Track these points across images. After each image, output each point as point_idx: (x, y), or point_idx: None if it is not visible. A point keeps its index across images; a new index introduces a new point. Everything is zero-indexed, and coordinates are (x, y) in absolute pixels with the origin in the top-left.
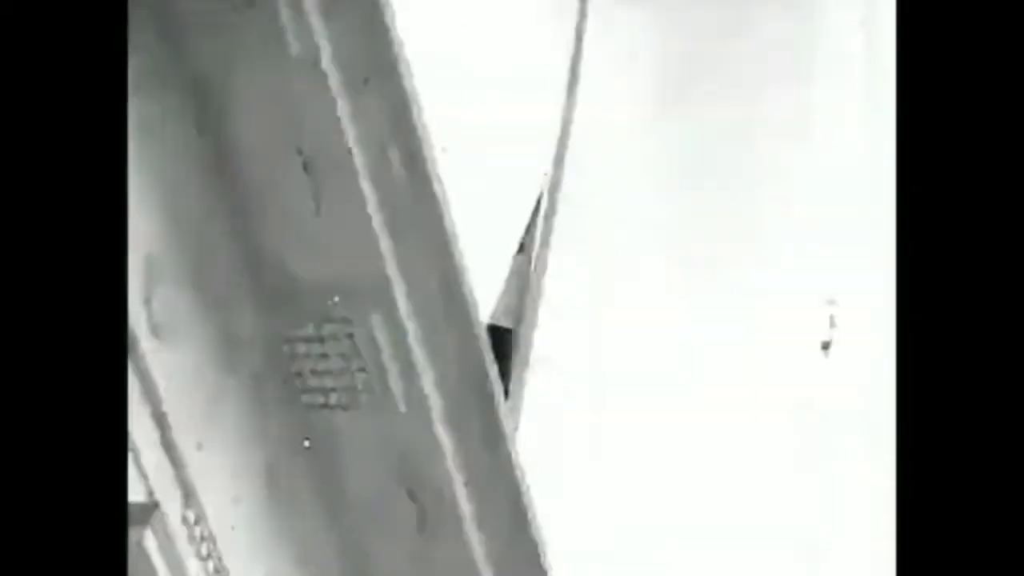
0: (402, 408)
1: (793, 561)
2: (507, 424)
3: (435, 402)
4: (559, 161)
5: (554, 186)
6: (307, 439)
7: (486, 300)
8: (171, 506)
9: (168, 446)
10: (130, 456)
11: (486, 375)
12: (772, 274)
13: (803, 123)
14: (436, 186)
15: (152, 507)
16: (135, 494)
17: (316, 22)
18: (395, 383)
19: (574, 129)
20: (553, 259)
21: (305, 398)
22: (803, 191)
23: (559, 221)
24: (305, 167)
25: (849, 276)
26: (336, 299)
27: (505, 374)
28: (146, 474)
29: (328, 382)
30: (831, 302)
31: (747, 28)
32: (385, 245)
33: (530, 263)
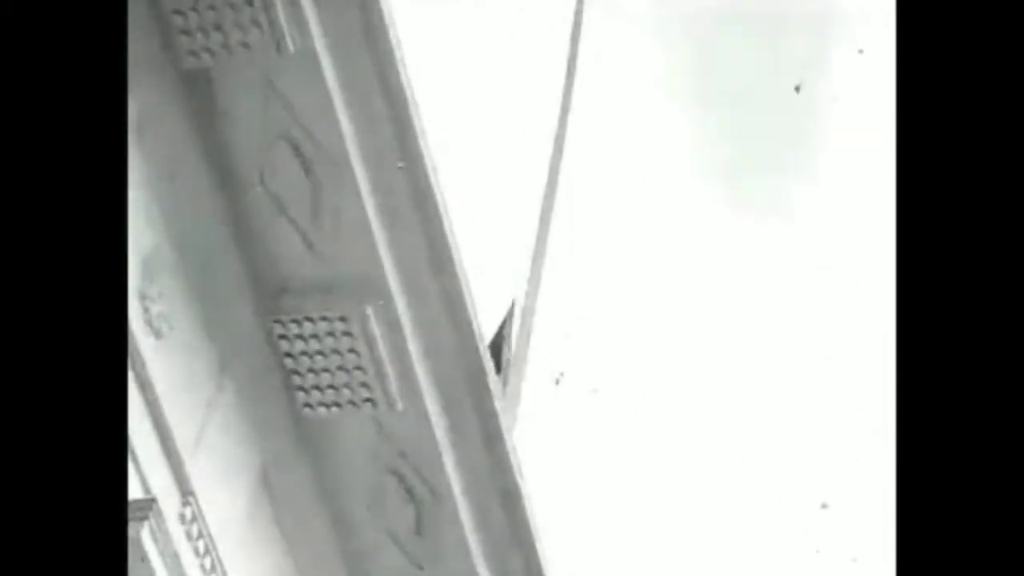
0: (399, 406)
1: None
2: (504, 421)
3: (432, 400)
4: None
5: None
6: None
7: (484, 298)
8: (168, 503)
9: (166, 444)
10: (128, 454)
11: (483, 373)
12: None
13: None
14: (435, 186)
15: (150, 504)
16: (133, 491)
17: (314, 20)
18: (392, 381)
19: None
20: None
21: (302, 396)
22: None
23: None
24: (304, 167)
25: None
26: (333, 297)
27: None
28: (144, 471)
29: (325, 380)
30: None
31: None
32: (383, 245)
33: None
